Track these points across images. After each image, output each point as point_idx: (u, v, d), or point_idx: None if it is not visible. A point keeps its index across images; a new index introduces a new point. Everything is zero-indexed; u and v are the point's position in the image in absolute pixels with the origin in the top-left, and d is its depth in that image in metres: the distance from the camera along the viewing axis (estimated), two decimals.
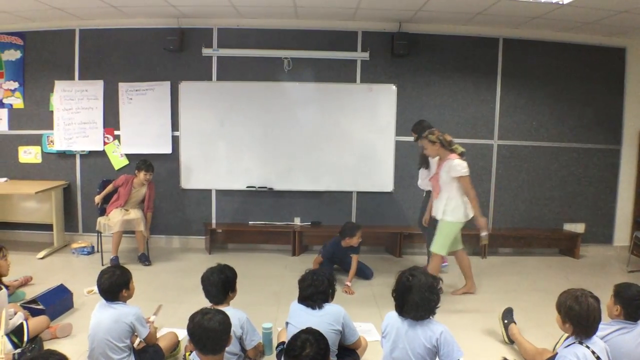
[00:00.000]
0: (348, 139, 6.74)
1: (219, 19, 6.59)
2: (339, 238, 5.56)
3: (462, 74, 6.73)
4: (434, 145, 4.94)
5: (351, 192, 6.88)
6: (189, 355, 2.88)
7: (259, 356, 3.58)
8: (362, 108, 6.70)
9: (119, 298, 3.33)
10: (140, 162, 6.15)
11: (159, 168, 6.65)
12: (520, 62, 6.74)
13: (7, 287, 4.02)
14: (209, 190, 6.90)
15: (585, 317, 2.71)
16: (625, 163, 6.96)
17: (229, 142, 6.77)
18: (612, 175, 6.98)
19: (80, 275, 5.58)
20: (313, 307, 3.27)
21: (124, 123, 6.74)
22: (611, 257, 6.92)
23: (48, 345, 3.67)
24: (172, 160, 6.79)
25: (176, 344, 3.71)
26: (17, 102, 6.80)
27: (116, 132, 6.77)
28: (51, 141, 6.79)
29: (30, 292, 4.75)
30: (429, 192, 5.60)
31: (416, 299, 2.80)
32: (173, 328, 3.94)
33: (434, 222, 5.13)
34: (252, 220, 6.90)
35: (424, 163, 5.63)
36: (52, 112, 6.75)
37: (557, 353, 2.92)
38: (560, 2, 5.22)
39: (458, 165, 4.80)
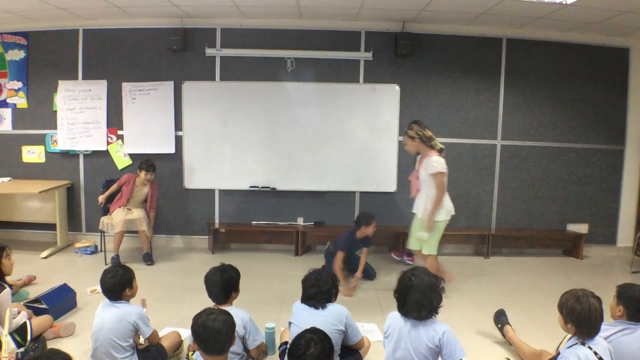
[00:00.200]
0: (351, 139, 6.74)
1: (222, 19, 6.59)
2: (354, 229, 5.44)
3: (465, 74, 6.73)
4: (414, 141, 4.87)
5: (354, 192, 6.88)
6: (192, 354, 2.88)
7: (261, 356, 3.59)
8: (365, 108, 6.69)
9: (122, 297, 3.34)
10: (142, 161, 6.16)
11: (162, 168, 6.66)
12: (524, 62, 6.73)
13: (10, 286, 4.03)
14: (212, 190, 6.91)
15: (587, 317, 2.70)
16: (629, 163, 6.94)
17: (232, 142, 6.77)
18: (616, 176, 6.96)
19: (83, 274, 5.59)
20: (316, 307, 3.26)
21: (127, 123, 6.76)
22: (614, 257, 6.90)
23: (51, 345, 3.68)
24: (175, 160, 6.80)
25: (179, 343, 3.72)
26: (21, 101, 6.81)
27: (119, 132, 6.79)
28: (55, 141, 6.80)
29: (33, 292, 4.77)
30: None
31: (418, 299, 2.80)
32: (176, 327, 3.95)
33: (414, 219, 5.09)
34: (255, 220, 6.91)
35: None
36: (55, 111, 6.77)
37: (559, 353, 2.92)
38: (564, 2, 5.21)
39: (435, 162, 4.72)
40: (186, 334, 3.63)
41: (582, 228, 6.93)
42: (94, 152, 6.83)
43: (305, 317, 3.18)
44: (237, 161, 6.80)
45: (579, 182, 6.92)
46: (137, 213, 6.08)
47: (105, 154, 6.83)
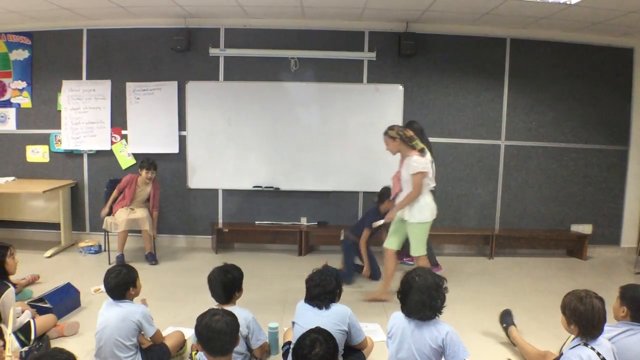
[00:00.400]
0: (354, 139, 6.74)
1: (226, 19, 6.60)
2: (377, 205, 5.51)
3: (469, 74, 6.72)
4: (394, 141, 4.78)
5: (357, 193, 6.87)
6: (195, 354, 2.88)
7: (265, 356, 3.59)
8: (369, 108, 6.69)
9: (126, 296, 3.35)
10: (143, 160, 6.18)
11: (166, 167, 6.68)
12: (528, 62, 6.71)
13: (14, 285, 4.03)
14: (216, 190, 6.92)
15: (590, 317, 2.70)
16: (633, 164, 6.91)
17: (236, 142, 6.78)
18: (620, 177, 6.94)
19: (87, 274, 5.60)
20: (320, 307, 3.27)
21: (131, 122, 6.77)
22: (618, 258, 6.88)
23: (55, 344, 3.68)
24: (179, 159, 6.81)
25: (182, 342, 3.72)
26: (25, 101, 6.83)
27: (123, 132, 6.80)
28: (59, 140, 6.82)
29: (37, 291, 4.77)
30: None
31: (422, 299, 2.80)
32: (179, 327, 3.95)
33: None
34: (258, 220, 6.91)
35: None
36: (59, 111, 6.79)
37: (562, 354, 2.91)
38: (568, 2, 5.20)
39: (415, 162, 4.63)
40: (189, 333, 3.63)
41: (585, 229, 6.91)
42: (98, 151, 6.85)
43: (309, 317, 3.18)
44: (241, 161, 6.80)
45: (582, 182, 6.91)
46: (140, 212, 6.09)
47: (109, 153, 6.84)
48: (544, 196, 6.92)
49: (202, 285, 3.54)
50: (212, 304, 3.38)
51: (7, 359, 3.03)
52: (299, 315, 3.33)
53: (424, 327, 2.83)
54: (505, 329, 4.04)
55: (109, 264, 5.92)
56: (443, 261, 6.14)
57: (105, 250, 6.31)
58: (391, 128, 4.83)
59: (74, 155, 6.88)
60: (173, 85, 6.70)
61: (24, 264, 5.14)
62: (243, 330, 3.15)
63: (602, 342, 2.75)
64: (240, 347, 3.16)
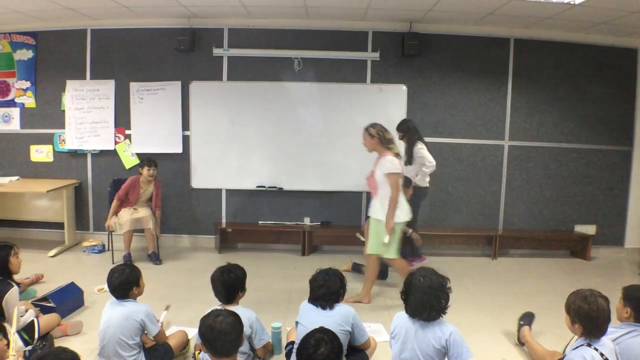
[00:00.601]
0: (358, 139, 6.66)
1: (230, 19, 6.60)
2: None
3: (473, 74, 6.71)
4: (373, 139, 4.76)
5: (361, 193, 6.85)
6: (199, 354, 2.89)
7: (268, 355, 3.60)
8: (373, 108, 6.67)
9: (129, 296, 3.36)
10: (143, 159, 6.22)
11: (170, 167, 6.70)
12: (531, 62, 6.70)
13: (18, 284, 4.03)
14: (219, 190, 6.92)
15: (594, 317, 2.69)
16: (637, 164, 6.89)
17: (239, 142, 6.78)
18: (624, 177, 6.92)
19: (90, 273, 5.61)
20: (324, 308, 3.26)
21: (135, 122, 6.78)
22: (622, 259, 6.86)
23: (59, 343, 3.69)
24: (182, 159, 6.82)
25: (186, 342, 3.73)
26: (29, 101, 6.85)
27: (127, 132, 6.81)
28: (63, 140, 6.84)
29: (41, 290, 4.79)
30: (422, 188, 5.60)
31: (425, 300, 2.79)
32: (183, 327, 3.96)
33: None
34: (261, 220, 6.91)
35: (409, 159, 5.58)
36: (63, 111, 6.80)
37: (565, 355, 2.91)
38: (572, 3, 5.19)
39: (389, 162, 4.63)
40: (193, 333, 3.64)
41: (589, 229, 6.89)
42: (101, 151, 6.86)
43: (312, 317, 3.18)
44: (244, 161, 6.81)
45: (586, 183, 6.89)
46: (143, 212, 6.10)
47: (113, 153, 6.85)
48: (548, 197, 6.90)
49: (205, 284, 3.54)
50: (216, 303, 3.39)
51: (10, 358, 3.03)
52: (303, 315, 3.33)
53: (427, 328, 2.83)
54: (520, 327, 4.01)
55: (113, 263, 5.93)
56: (446, 261, 6.15)
57: (108, 250, 6.33)
58: (373, 126, 4.80)
59: (77, 155, 6.90)
60: (177, 85, 6.70)
61: (28, 264, 5.13)
62: (246, 330, 3.15)
63: (605, 343, 2.74)
64: (244, 347, 3.16)
